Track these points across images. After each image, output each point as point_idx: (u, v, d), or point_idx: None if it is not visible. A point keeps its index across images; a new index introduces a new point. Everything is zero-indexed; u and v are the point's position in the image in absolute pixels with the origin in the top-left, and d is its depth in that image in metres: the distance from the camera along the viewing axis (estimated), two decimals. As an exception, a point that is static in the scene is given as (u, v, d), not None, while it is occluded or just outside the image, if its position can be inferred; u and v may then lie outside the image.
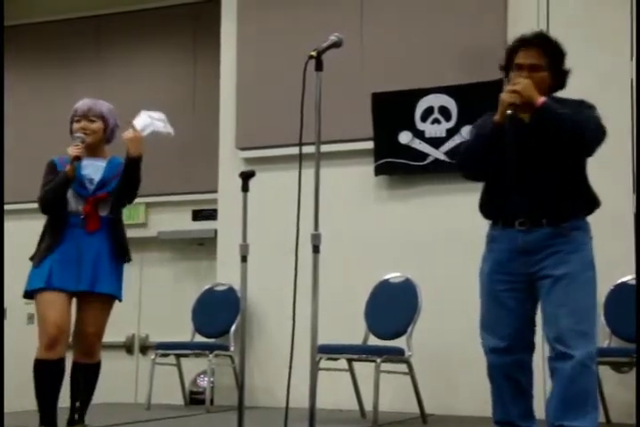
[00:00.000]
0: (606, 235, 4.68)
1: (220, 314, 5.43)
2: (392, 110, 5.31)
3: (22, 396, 5.91)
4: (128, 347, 6.56)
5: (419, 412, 4.58)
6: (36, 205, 6.93)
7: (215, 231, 5.87)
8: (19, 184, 6.26)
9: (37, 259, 3.39)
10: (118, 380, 6.36)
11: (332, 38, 2.86)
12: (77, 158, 3.35)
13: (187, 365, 5.47)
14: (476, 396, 4.81)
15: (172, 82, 6.48)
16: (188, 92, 6.42)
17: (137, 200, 6.26)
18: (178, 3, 6.56)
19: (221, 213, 5.74)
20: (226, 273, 5.48)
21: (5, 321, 5.76)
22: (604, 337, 4.60)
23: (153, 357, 5.21)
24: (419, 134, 5.25)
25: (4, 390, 4.20)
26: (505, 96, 2.80)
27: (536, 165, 2.84)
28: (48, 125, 6.80)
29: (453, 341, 4.95)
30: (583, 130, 2.76)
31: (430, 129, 5.23)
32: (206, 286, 5.64)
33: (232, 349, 5.26)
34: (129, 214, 6.46)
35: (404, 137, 5.27)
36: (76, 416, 3.44)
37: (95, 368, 3.47)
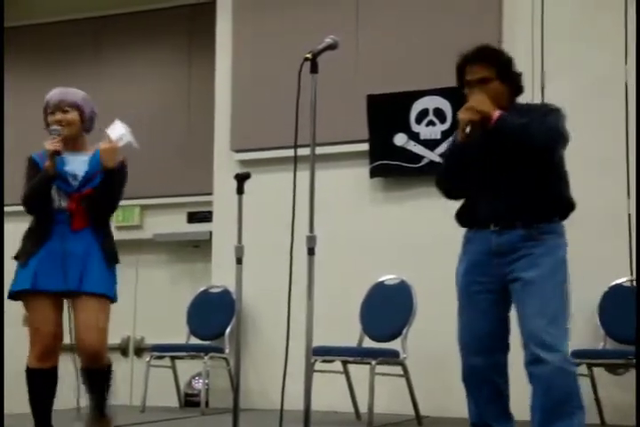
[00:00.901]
0: (601, 237, 4.72)
1: (215, 316, 5.42)
2: (387, 112, 5.31)
3: (20, 398, 5.92)
4: (123, 349, 6.55)
5: (414, 414, 4.58)
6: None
7: (210, 233, 5.87)
8: (18, 185, 6.25)
9: (23, 258, 3.19)
10: (113, 382, 6.36)
11: (328, 40, 2.87)
12: (56, 153, 3.16)
13: (182, 367, 5.46)
14: (471, 398, 4.82)
15: (168, 83, 6.48)
16: (183, 93, 6.42)
17: (132, 202, 6.36)
18: (174, 5, 6.57)
19: (216, 215, 5.74)
20: (221, 275, 5.47)
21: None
22: (598, 339, 4.61)
23: (148, 359, 5.20)
24: (414, 136, 5.25)
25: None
26: (462, 114, 2.85)
27: (505, 169, 2.86)
28: (46, 125, 6.81)
29: (448, 343, 4.91)
30: (536, 138, 2.77)
31: (425, 131, 5.23)
32: (201, 288, 5.64)
33: (227, 351, 5.26)
34: (124, 216, 6.47)
35: (399, 139, 5.28)
36: (95, 413, 3.32)
37: (103, 373, 3.25)
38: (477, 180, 2.92)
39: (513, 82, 2.95)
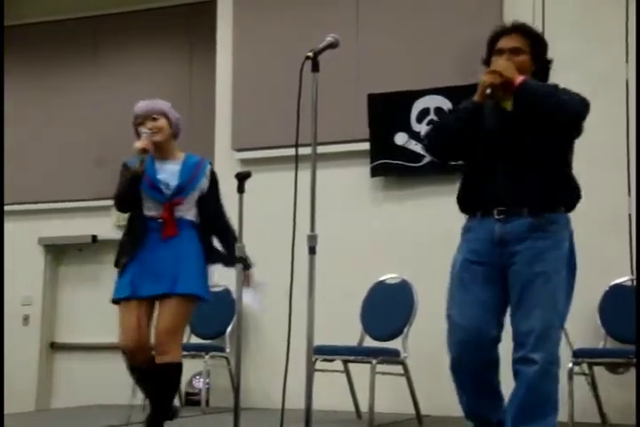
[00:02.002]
0: (602, 236, 4.72)
1: (215, 315, 5.42)
2: (388, 111, 5.31)
3: (17, 396, 5.93)
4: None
5: (414, 413, 4.58)
6: (33, 206, 6.91)
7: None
8: (16, 184, 6.26)
9: (120, 268, 3.40)
10: (114, 381, 6.36)
11: (329, 39, 2.86)
12: (144, 151, 3.31)
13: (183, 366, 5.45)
14: (472, 397, 4.82)
15: (168, 82, 6.47)
16: (183, 92, 6.41)
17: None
18: (174, 4, 6.56)
19: (217, 214, 5.73)
20: (222, 274, 5.46)
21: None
22: (599, 338, 4.61)
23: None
24: (414, 135, 5.25)
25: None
26: (484, 77, 2.74)
27: (519, 153, 2.75)
28: (45, 125, 6.81)
29: (449, 342, 4.95)
30: (566, 102, 2.68)
31: (426, 130, 5.23)
32: (202, 288, 5.63)
33: (228, 350, 5.26)
34: (124, 216, 6.46)
35: (400, 138, 5.28)
36: (153, 416, 3.38)
37: (170, 368, 3.35)
38: (485, 158, 2.80)
39: (542, 64, 2.88)
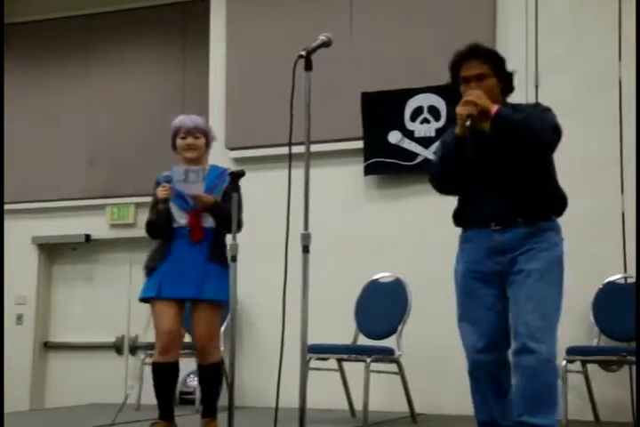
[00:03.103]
0: (594, 235, 4.73)
1: (209, 314, 5.41)
2: (381, 110, 5.31)
3: (11, 396, 5.92)
4: (118, 347, 6.54)
5: (408, 411, 4.59)
6: (27, 205, 6.86)
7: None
8: (10, 183, 6.25)
9: (149, 269, 3.62)
10: (108, 380, 6.36)
11: (322, 38, 2.86)
12: (165, 201, 3.58)
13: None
14: (466, 395, 4.80)
15: (162, 81, 6.47)
16: (177, 91, 6.40)
17: (126, 200, 6.34)
18: (167, 2, 6.55)
19: (211, 212, 5.73)
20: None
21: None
22: (592, 336, 4.62)
23: (142, 357, 5.20)
24: (408, 134, 5.26)
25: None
26: (460, 109, 2.85)
27: (504, 170, 2.88)
28: (38, 125, 6.79)
29: (443, 340, 4.95)
30: (538, 132, 2.81)
31: (420, 129, 5.24)
32: (196, 286, 5.62)
33: (222, 349, 5.25)
34: (119, 214, 6.46)
35: (394, 137, 5.28)
36: (207, 411, 3.68)
37: (213, 368, 3.65)
38: (475, 178, 2.93)
39: (506, 80, 2.99)
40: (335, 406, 4.87)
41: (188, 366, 5.56)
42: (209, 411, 3.68)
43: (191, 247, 3.58)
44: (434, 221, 5.14)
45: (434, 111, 5.21)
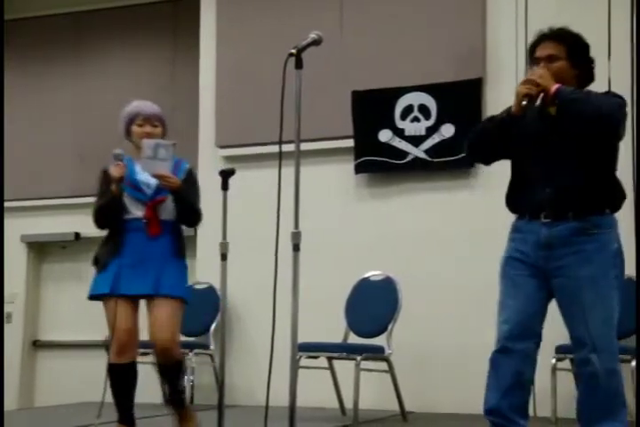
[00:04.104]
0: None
1: (199, 313, 5.39)
2: (372, 108, 5.31)
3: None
4: (107, 346, 6.50)
5: (399, 409, 4.59)
6: (15, 204, 6.82)
7: (195, 230, 5.84)
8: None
9: (102, 263, 3.39)
10: (97, 379, 6.33)
11: (312, 36, 2.86)
12: (121, 180, 3.34)
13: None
14: (456, 393, 4.84)
15: (151, 79, 6.44)
16: (167, 89, 6.38)
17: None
18: (157, 0, 6.52)
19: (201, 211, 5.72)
20: (206, 272, 5.46)
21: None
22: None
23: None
24: (398, 132, 5.26)
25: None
26: (519, 87, 2.74)
27: (563, 156, 2.77)
28: (26, 123, 6.76)
29: (433, 339, 4.97)
30: (602, 109, 2.67)
31: (410, 127, 5.24)
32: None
33: (212, 347, 5.25)
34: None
35: (384, 135, 5.28)
36: (173, 404, 3.50)
37: (174, 368, 3.44)
38: (532, 163, 2.81)
39: (583, 67, 2.85)
40: (325, 405, 4.88)
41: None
42: (179, 408, 3.49)
43: (148, 241, 3.36)
44: (424, 219, 5.16)
45: (424, 110, 5.22)
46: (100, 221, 3.42)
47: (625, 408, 2.75)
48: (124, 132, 3.52)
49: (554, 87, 2.72)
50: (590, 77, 2.89)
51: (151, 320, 3.40)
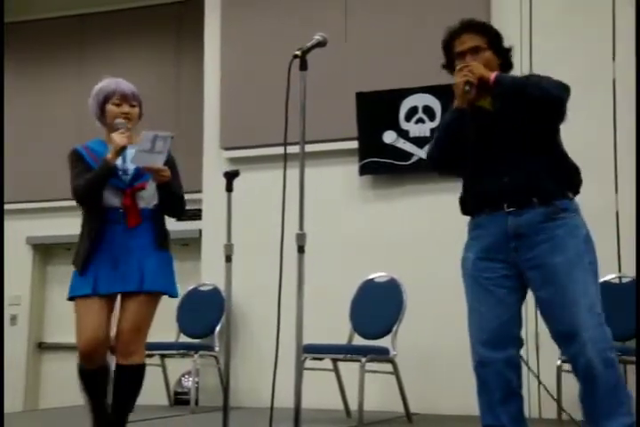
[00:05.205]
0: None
1: (204, 314, 5.42)
2: (376, 110, 5.31)
3: (5, 397, 5.90)
4: (112, 348, 6.52)
5: (404, 411, 4.59)
6: (21, 206, 6.83)
7: (199, 231, 5.85)
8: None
9: (81, 263, 3.08)
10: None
11: (317, 38, 2.86)
12: (123, 149, 3.04)
13: (171, 365, 5.45)
14: (461, 394, 4.82)
15: (156, 81, 6.45)
16: (171, 91, 6.40)
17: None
18: (162, 2, 6.54)
19: (206, 213, 5.73)
20: (210, 273, 5.47)
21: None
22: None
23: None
24: (403, 134, 5.26)
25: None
26: (457, 77, 2.70)
27: (509, 147, 2.69)
28: (31, 125, 6.77)
29: (438, 340, 4.96)
30: (545, 87, 2.61)
31: (414, 129, 5.24)
32: (191, 287, 5.63)
33: (217, 349, 5.25)
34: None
35: (389, 137, 5.28)
36: (118, 419, 3.15)
37: (134, 370, 3.14)
38: (479, 159, 2.73)
39: (504, 55, 2.83)
40: (330, 407, 4.87)
41: (182, 365, 5.57)
42: (117, 425, 3.12)
43: (126, 233, 3.05)
44: (429, 220, 5.15)
45: (428, 111, 5.21)
46: (88, 196, 3.06)
47: (629, 398, 2.60)
48: (95, 112, 3.22)
49: (492, 75, 2.67)
50: (510, 65, 2.85)
51: (123, 313, 3.11)
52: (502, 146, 2.71)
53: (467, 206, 2.82)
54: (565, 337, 2.61)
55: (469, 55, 2.76)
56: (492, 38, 2.80)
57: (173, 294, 3.20)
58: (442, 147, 2.80)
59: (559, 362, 4.24)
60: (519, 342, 2.71)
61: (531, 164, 2.68)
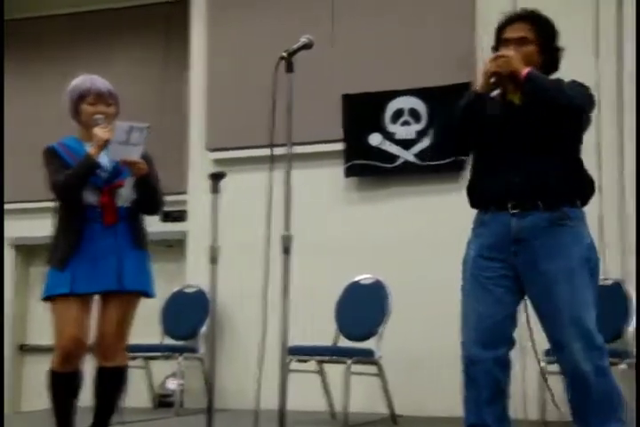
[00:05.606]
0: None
1: (189, 316, 5.40)
2: (362, 112, 5.32)
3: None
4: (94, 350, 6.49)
5: (389, 413, 4.59)
6: (8, 206, 6.78)
7: (184, 233, 5.83)
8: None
9: (58, 261, 3.01)
10: (85, 383, 6.30)
11: (303, 40, 2.86)
12: (106, 143, 2.97)
13: (156, 367, 5.43)
14: (446, 396, 4.84)
15: (143, 82, 6.42)
16: (158, 92, 6.37)
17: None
18: (149, 2, 6.52)
19: (191, 214, 5.71)
20: (195, 275, 5.45)
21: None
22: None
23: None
24: (389, 136, 5.27)
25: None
26: (488, 64, 2.61)
27: (529, 145, 2.64)
28: (14, 125, 6.73)
29: (423, 342, 4.97)
30: (570, 95, 2.57)
31: (400, 131, 5.25)
32: (176, 288, 5.61)
33: (202, 351, 5.23)
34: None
35: (375, 139, 5.29)
36: (102, 423, 3.10)
37: (117, 373, 3.10)
38: (495, 152, 2.67)
39: (551, 54, 2.75)
40: (315, 408, 4.87)
41: (166, 367, 5.54)
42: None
43: (104, 231, 3.00)
44: (414, 222, 5.16)
45: (414, 114, 5.23)
46: (70, 192, 2.99)
47: (622, 406, 2.59)
48: (70, 111, 3.14)
49: (525, 71, 2.59)
50: (555, 66, 2.78)
51: (104, 315, 3.07)
52: (521, 144, 2.66)
53: (472, 199, 2.77)
54: (556, 345, 2.62)
55: (515, 44, 2.68)
56: (544, 34, 2.72)
57: (151, 295, 3.17)
58: (453, 125, 2.71)
59: (543, 364, 4.26)
60: (511, 343, 2.69)
61: (545, 166, 2.63)
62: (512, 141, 2.67)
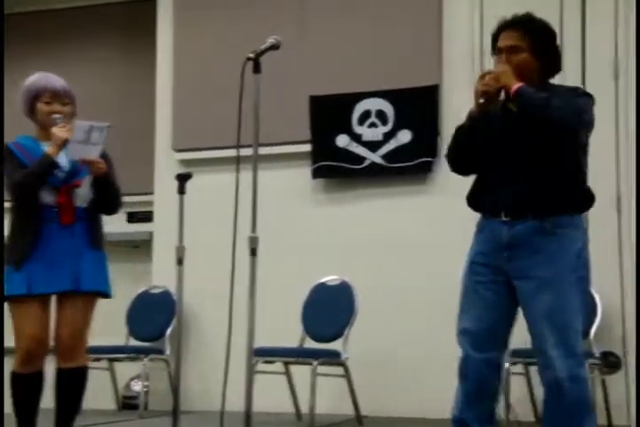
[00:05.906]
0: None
1: (155, 317, 5.36)
2: (329, 113, 5.33)
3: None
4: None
5: (354, 414, 4.60)
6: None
7: (151, 234, 5.80)
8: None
9: (15, 261, 2.99)
10: (47, 385, 6.23)
11: (271, 41, 2.87)
12: (65, 143, 2.95)
13: (120, 369, 5.38)
14: (411, 397, 4.88)
15: (107, 81, 6.37)
16: (123, 92, 6.32)
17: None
18: (113, 1, 6.46)
19: (157, 215, 5.68)
20: (162, 276, 5.42)
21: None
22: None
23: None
24: (356, 138, 5.28)
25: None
26: (477, 84, 2.65)
27: (525, 155, 2.65)
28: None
29: (389, 344, 5.00)
30: (556, 114, 2.55)
31: (367, 132, 5.27)
32: (141, 289, 5.57)
33: (167, 352, 5.20)
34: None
35: (342, 140, 5.30)
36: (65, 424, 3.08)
37: (78, 374, 3.08)
38: (495, 161, 2.70)
39: (548, 58, 2.71)
40: (282, 410, 4.86)
41: (131, 369, 5.50)
42: None
43: (61, 231, 2.98)
44: (381, 224, 5.18)
45: (381, 115, 5.25)
46: (27, 192, 2.96)
47: (591, 415, 2.65)
48: (25, 110, 3.10)
49: (514, 86, 2.60)
50: (556, 68, 2.76)
51: (61, 317, 3.05)
52: (517, 152, 2.68)
53: (472, 204, 2.80)
54: (538, 350, 2.66)
55: (507, 53, 2.68)
56: (536, 39, 2.69)
57: (109, 295, 3.15)
58: (456, 148, 2.78)
59: (507, 365, 4.31)
60: (504, 346, 2.75)
61: (538, 177, 2.65)
62: (509, 151, 2.70)
